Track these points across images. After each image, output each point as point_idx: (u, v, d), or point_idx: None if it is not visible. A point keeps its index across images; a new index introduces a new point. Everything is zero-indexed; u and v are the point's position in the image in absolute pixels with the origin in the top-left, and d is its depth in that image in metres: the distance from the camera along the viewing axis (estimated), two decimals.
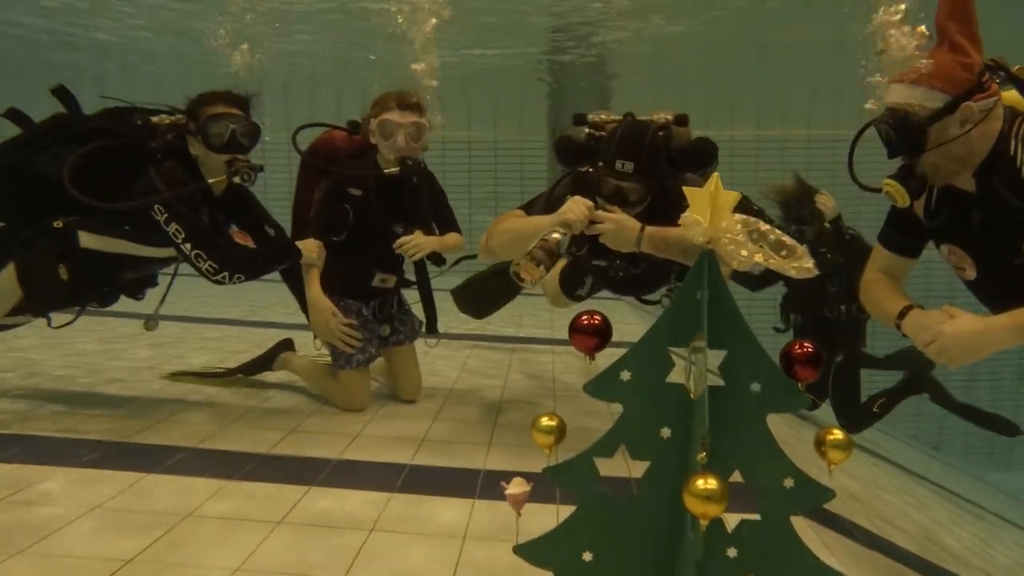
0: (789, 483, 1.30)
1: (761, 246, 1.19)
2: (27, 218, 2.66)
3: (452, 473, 2.46)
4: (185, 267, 2.82)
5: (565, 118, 10.40)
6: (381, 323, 3.22)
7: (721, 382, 1.31)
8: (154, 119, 2.75)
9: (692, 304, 1.30)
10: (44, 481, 2.19)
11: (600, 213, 2.46)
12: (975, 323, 1.89)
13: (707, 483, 1.07)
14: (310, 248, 2.90)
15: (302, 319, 3.18)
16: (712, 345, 1.28)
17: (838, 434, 1.29)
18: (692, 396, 1.31)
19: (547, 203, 2.72)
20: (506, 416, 3.15)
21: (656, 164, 2.55)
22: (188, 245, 2.58)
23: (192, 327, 4.96)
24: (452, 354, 4.35)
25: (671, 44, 8.41)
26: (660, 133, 2.64)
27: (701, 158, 2.71)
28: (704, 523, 1.09)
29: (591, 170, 2.70)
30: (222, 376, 3.42)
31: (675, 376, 1.32)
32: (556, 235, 2.31)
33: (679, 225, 2.54)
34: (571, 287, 3.52)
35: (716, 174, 1.25)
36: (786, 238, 1.19)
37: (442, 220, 3.15)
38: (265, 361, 3.38)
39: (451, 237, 3.13)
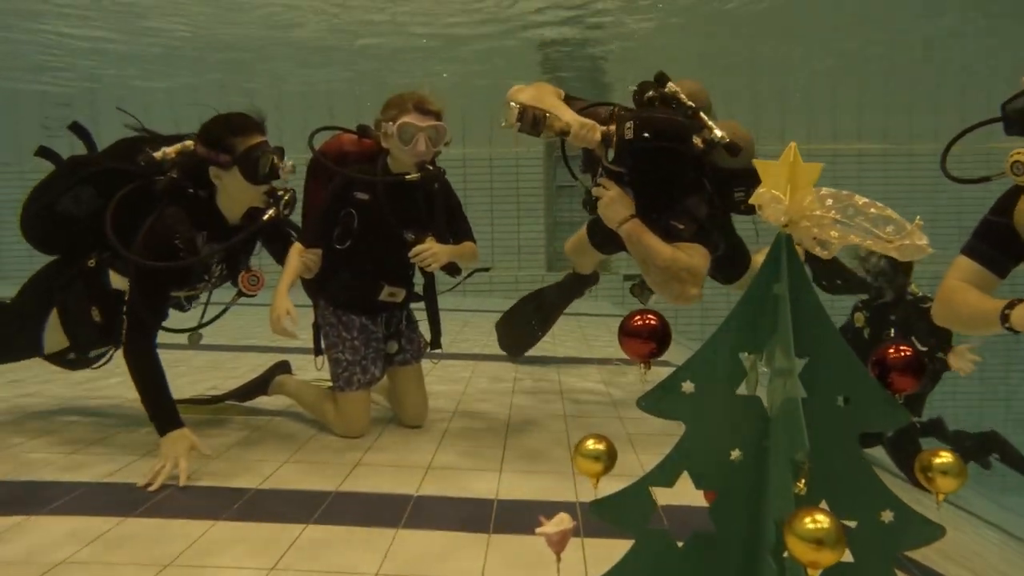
0: (888, 517, 1.07)
1: (858, 225, 0.97)
2: (67, 258, 2.73)
3: (462, 505, 2.23)
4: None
5: None
6: (388, 339, 2.98)
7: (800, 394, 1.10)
8: (157, 154, 2.58)
9: (767, 300, 1.08)
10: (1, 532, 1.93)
11: (607, 181, 2.64)
12: None
13: (816, 522, 0.85)
14: None
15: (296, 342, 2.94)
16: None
17: (947, 456, 1.06)
18: (769, 411, 1.09)
19: (581, 110, 2.80)
20: (516, 440, 2.92)
21: (652, 165, 2.57)
22: (129, 311, 2.49)
23: (185, 354, 4.70)
24: (454, 374, 4.11)
25: (667, 55, 8.32)
26: (702, 145, 2.58)
27: (726, 182, 2.73)
28: (814, 573, 0.86)
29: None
30: (212, 403, 3.17)
31: (747, 387, 1.11)
32: (553, 121, 2.57)
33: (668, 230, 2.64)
34: (595, 233, 3.44)
35: (793, 143, 1.05)
36: (891, 212, 0.98)
37: (458, 230, 2.92)
38: (260, 385, 3.15)
39: (467, 246, 2.91)
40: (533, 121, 2.55)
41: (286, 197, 2.57)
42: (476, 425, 3.13)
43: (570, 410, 3.44)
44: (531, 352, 5.18)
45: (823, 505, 1.07)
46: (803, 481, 0.94)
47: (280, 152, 2.56)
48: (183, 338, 2.86)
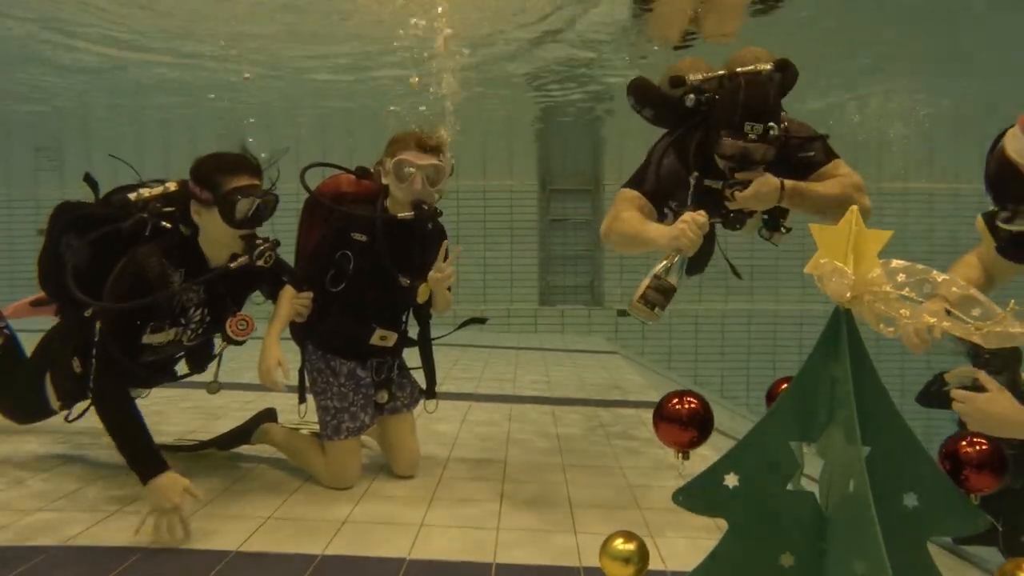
0: None
1: (939, 304, 0.84)
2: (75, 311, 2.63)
3: (458, 570, 2.07)
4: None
5: (555, 164, 10.23)
6: (378, 388, 2.83)
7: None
8: (132, 195, 2.49)
9: (823, 384, 0.95)
10: None
11: (740, 194, 2.51)
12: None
13: None
14: None
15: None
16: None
17: None
18: (824, 509, 0.96)
19: (657, 180, 2.74)
20: (512, 490, 2.77)
21: (778, 121, 2.50)
22: (97, 354, 2.37)
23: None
24: (447, 415, 3.95)
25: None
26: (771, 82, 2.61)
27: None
28: None
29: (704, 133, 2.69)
30: (192, 450, 2.98)
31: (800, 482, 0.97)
32: (672, 281, 2.43)
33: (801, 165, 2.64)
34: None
35: (855, 207, 0.93)
36: (978, 293, 0.85)
37: None
38: (243, 434, 2.97)
39: (448, 294, 2.79)
40: (665, 294, 2.45)
41: (262, 247, 2.41)
42: (471, 474, 2.97)
43: (567, 457, 3.29)
44: (527, 392, 5.05)
45: None
46: None
47: (272, 199, 2.42)
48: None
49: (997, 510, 3.91)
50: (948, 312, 0.84)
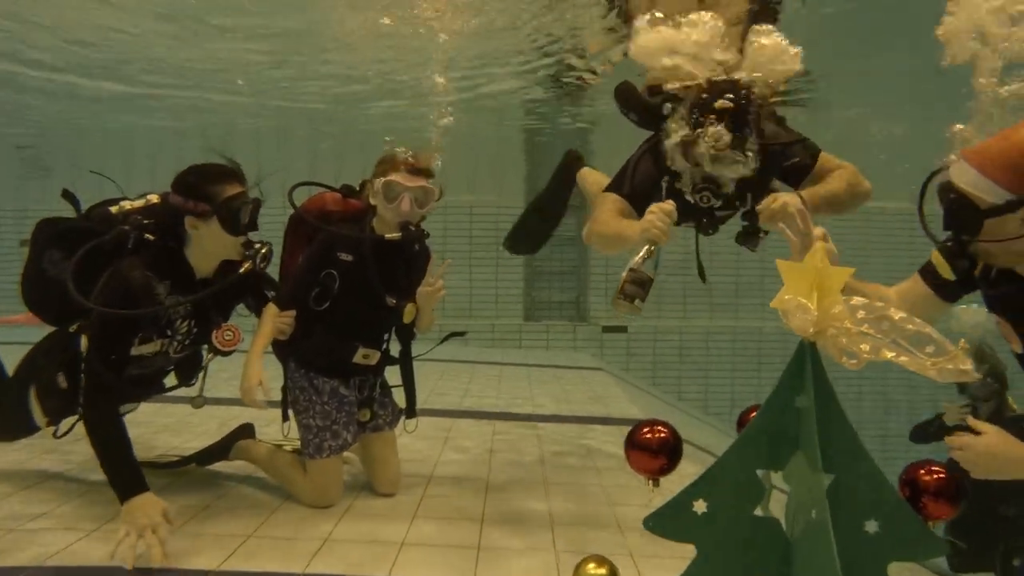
0: None
1: (893, 340, 0.88)
2: (62, 322, 2.66)
3: None
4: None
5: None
6: (360, 406, 2.84)
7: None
8: (113, 208, 2.52)
9: (789, 414, 0.99)
10: None
11: (765, 212, 2.46)
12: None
13: None
14: None
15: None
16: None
17: None
18: (789, 534, 0.99)
19: (632, 184, 2.80)
20: (494, 508, 2.79)
21: (752, 124, 2.54)
22: (86, 368, 2.37)
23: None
24: (430, 432, 3.96)
25: None
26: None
27: None
28: None
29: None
30: (171, 467, 2.97)
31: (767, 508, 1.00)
32: (648, 273, 2.44)
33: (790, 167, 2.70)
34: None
35: (821, 243, 0.96)
36: (932, 331, 0.89)
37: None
38: (221, 450, 2.96)
39: (432, 314, 2.83)
40: (642, 285, 2.46)
41: (263, 250, 2.49)
42: (453, 492, 2.98)
43: (550, 475, 3.31)
44: (510, 409, 5.06)
45: None
46: None
47: (258, 203, 2.47)
48: None
49: (994, 536, 3.96)
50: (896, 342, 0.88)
